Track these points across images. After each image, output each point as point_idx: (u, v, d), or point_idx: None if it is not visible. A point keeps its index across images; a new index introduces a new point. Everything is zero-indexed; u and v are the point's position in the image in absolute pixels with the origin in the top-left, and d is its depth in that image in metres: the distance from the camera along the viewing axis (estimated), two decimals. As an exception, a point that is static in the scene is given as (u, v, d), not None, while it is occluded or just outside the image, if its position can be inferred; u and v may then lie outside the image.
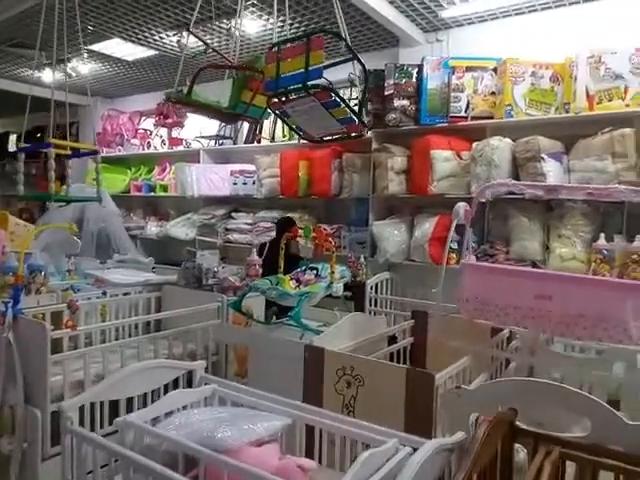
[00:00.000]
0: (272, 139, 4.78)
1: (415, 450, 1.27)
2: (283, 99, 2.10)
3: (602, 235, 2.94)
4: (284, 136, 4.66)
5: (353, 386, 1.76)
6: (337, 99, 2.01)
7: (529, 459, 1.50)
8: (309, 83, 1.84)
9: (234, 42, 3.18)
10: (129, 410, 1.65)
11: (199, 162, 5.09)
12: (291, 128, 2.51)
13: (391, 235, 3.68)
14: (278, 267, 2.53)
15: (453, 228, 2.16)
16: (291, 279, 2.53)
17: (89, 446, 1.39)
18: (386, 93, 3.54)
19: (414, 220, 3.68)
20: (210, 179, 4.92)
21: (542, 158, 3.00)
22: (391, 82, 3.51)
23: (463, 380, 1.96)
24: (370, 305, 3.46)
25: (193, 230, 5.14)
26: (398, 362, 2.49)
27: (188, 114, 5.36)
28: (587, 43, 2.97)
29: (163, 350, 2.60)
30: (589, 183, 2.90)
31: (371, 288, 3.51)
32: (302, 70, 1.79)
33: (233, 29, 3.50)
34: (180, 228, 5.30)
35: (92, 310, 2.82)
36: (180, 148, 5.45)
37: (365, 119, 2.58)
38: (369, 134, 3.52)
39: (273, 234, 4.47)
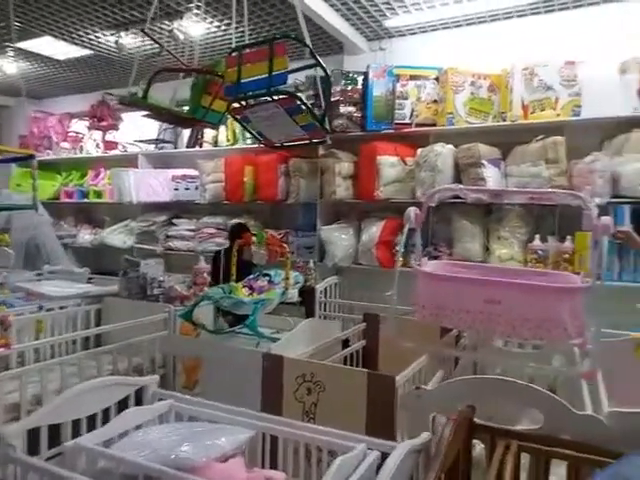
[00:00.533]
0: (215, 144, 4.69)
1: (383, 453, 1.28)
2: (244, 104, 2.06)
3: (537, 236, 3.14)
4: (228, 141, 4.58)
5: (314, 392, 1.75)
6: (301, 105, 2.00)
7: (486, 453, 1.55)
8: (274, 89, 1.81)
9: (192, 45, 3.08)
10: (75, 433, 1.53)
11: (137, 167, 4.88)
12: (251, 134, 2.46)
13: (339, 239, 3.71)
14: (230, 274, 2.47)
15: (406, 232, 2.21)
16: (244, 286, 2.48)
17: (36, 474, 1.28)
18: (332, 99, 3.58)
19: (361, 224, 3.74)
20: (150, 184, 4.74)
21: (482, 164, 3.15)
22: (337, 89, 3.56)
23: (419, 380, 2.00)
24: (320, 309, 3.47)
25: (131, 238, 4.93)
26: (352, 365, 2.52)
27: (123, 117, 5.18)
28: (521, 56, 3.16)
29: (107, 366, 2.46)
30: (525, 187, 3.08)
31: (321, 292, 3.52)
32: (265, 75, 1.77)
33: (176, 31, 3.39)
34: (117, 236, 5.07)
35: (26, 326, 2.62)
36: (116, 152, 5.21)
37: (327, 125, 2.58)
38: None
39: (217, 240, 4.39)
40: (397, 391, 1.71)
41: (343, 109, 3.58)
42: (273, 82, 1.79)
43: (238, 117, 2.23)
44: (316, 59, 2.15)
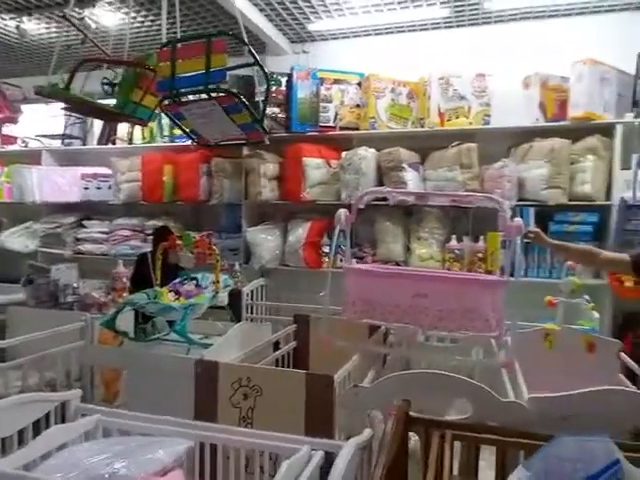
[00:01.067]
0: (130, 141, 4.44)
1: (327, 453, 1.29)
2: (178, 101, 1.97)
3: (453, 237, 3.34)
4: (143, 138, 4.37)
5: (250, 397, 1.72)
6: (240, 104, 1.95)
7: (421, 444, 1.62)
8: (212, 86, 1.75)
9: (121, 37, 2.86)
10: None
11: (40, 164, 4.50)
12: (184, 131, 2.35)
13: (265, 241, 3.68)
14: (155, 279, 2.36)
15: (337, 233, 2.25)
16: (169, 291, 2.38)
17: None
18: (256, 99, 3.54)
19: (287, 225, 3.74)
20: (55, 183, 4.40)
21: (403, 167, 3.29)
22: (261, 89, 3.52)
23: (353, 379, 2.04)
24: (247, 312, 3.41)
25: (34, 241, 4.52)
26: (283, 367, 2.51)
27: (23, 109, 4.74)
28: (437, 66, 3.34)
29: (15, 382, 2.24)
30: (442, 190, 3.26)
31: (247, 295, 3.47)
32: (202, 71, 1.70)
33: (88, 19, 3.17)
34: (17, 239, 4.62)
35: None
36: (15, 147, 4.76)
37: (266, 126, 2.54)
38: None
39: (133, 243, 4.17)
40: (335, 390, 1.73)
41: (268, 110, 3.55)
42: (211, 79, 1.73)
43: (170, 114, 2.13)
44: (255, 59, 2.12)
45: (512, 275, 2.01)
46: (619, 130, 2.98)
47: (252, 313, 3.50)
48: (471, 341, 2.45)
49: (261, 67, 2.24)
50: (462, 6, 3.22)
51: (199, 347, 2.10)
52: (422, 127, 3.38)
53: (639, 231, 2.91)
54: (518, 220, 2.02)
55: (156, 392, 1.89)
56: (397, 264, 3.44)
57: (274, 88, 3.53)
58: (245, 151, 3.72)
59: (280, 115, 3.58)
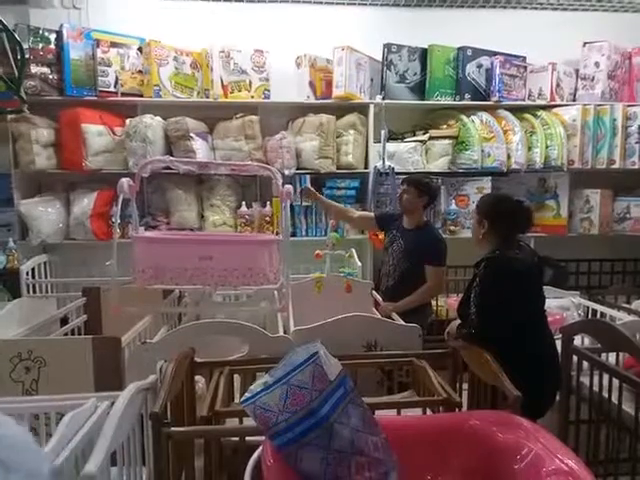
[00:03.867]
0: None
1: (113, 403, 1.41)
2: None
3: (244, 203, 3.60)
4: None
5: (34, 369, 1.71)
6: None
7: (207, 385, 1.85)
8: None
9: None
10: None
11: None
12: None
13: (44, 214, 3.40)
14: None
15: (120, 203, 2.27)
16: None
17: None
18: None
19: (70, 196, 3.51)
20: None
21: (191, 137, 3.38)
22: (25, 46, 3.16)
23: (146, 337, 2.15)
24: (28, 292, 3.16)
25: None
26: (73, 342, 2.47)
27: None
28: (218, 38, 3.47)
29: None
30: (230, 160, 3.47)
31: (27, 274, 3.20)
32: None
33: None
34: None
35: None
36: None
37: (23, 94, 2.32)
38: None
39: None
40: (124, 351, 1.83)
41: (35, 69, 3.23)
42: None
43: None
44: (2, 25, 1.93)
45: (294, 235, 2.35)
46: (372, 109, 3.57)
47: (34, 293, 3.25)
48: (259, 295, 2.77)
49: (8, 31, 2.06)
50: (239, -17, 3.39)
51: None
52: (207, 98, 3.49)
53: (389, 194, 3.59)
54: (288, 187, 2.35)
55: None
56: (192, 230, 3.56)
57: (40, 46, 3.22)
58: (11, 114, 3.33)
59: (51, 76, 3.29)
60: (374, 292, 2.95)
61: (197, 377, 1.86)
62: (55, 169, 3.45)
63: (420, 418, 1.41)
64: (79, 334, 2.54)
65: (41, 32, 3.25)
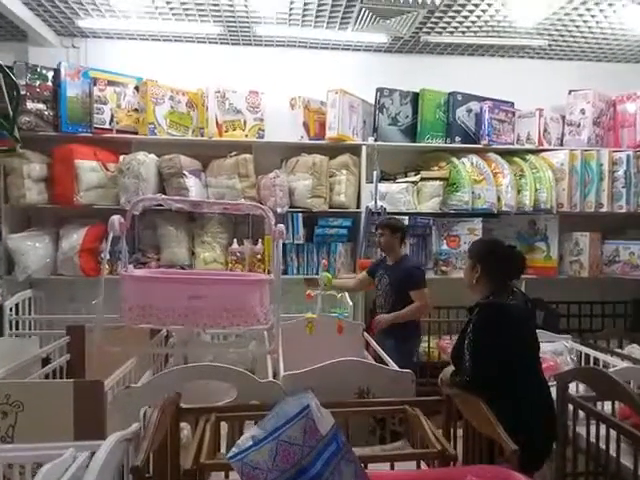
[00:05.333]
0: None
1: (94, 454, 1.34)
2: None
3: (235, 240, 3.58)
4: None
5: (11, 415, 1.63)
6: None
7: (192, 432, 1.78)
8: None
9: None
10: None
11: None
12: None
13: (32, 249, 3.36)
14: None
15: (110, 240, 2.24)
16: None
17: None
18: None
19: (60, 232, 3.47)
20: None
21: (184, 174, 3.39)
22: (22, 82, 3.21)
23: (131, 380, 2.08)
24: (11, 329, 3.07)
25: None
26: (55, 383, 2.38)
27: None
28: (214, 79, 3.53)
29: None
30: (223, 197, 3.48)
31: (10, 310, 3.12)
32: None
33: None
34: None
35: None
36: None
37: (17, 134, 2.32)
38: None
39: None
40: (107, 395, 1.76)
41: (31, 105, 3.26)
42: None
43: None
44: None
45: (285, 273, 2.33)
46: (364, 150, 3.63)
47: (17, 329, 3.16)
48: (248, 335, 2.71)
49: (4, 70, 2.07)
50: (235, 26, 3.48)
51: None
52: (202, 136, 3.53)
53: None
54: (280, 226, 2.35)
55: None
56: (182, 268, 3.52)
57: (38, 83, 3.25)
58: (4, 149, 3.33)
59: (46, 112, 3.31)
60: (365, 333, 2.91)
61: (182, 424, 1.79)
62: (46, 204, 3.43)
63: (415, 473, 1.35)
64: (61, 375, 2.45)
65: (39, 69, 3.30)
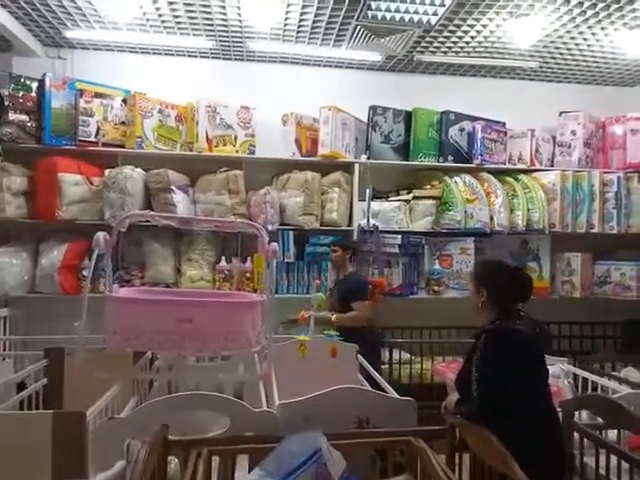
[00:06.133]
0: None
1: (74, 496, 1.22)
2: None
3: (223, 258, 3.47)
4: None
5: (-20, 451, 1.49)
6: None
7: (181, 466, 1.65)
8: None
9: None
10: None
11: None
12: None
13: (9, 265, 3.20)
14: None
15: (95, 257, 2.12)
16: None
17: None
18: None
19: (39, 247, 3.32)
20: None
21: (172, 189, 3.28)
22: (5, 92, 3.10)
23: (114, 409, 1.95)
24: (-17, 351, 2.90)
25: None
26: (30, 409, 2.23)
27: None
28: (204, 93, 3.45)
29: None
30: (212, 214, 3.38)
31: (-16, 330, 2.95)
32: None
33: None
34: None
35: None
36: None
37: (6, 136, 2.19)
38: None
39: None
40: (88, 427, 1.63)
41: (13, 116, 3.14)
42: None
43: None
44: None
45: (276, 292, 2.23)
46: (356, 168, 3.57)
47: (-9, 350, 2.99)
48: (237, 357, 2.59)
49: None
50: (227, 41, 3.43)
51: None
52: (191, 151, 3.44)
53: (372, 252, 3.53)
54: (274, 245, 2.25)
55: None
56: (167, 286, 3.39)
57: (21, 94, 3.14)
58: (-18, 161, 3.19)
59: (29, 124, 3.19)
60: (359, 356, 2.81)
61: (169, 457, 1.66)
62: (25, 218, 3.29)
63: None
64: (37, 402, 2.30)
65: (22, 80, 3.19)
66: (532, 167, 3.83)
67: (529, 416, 1.66)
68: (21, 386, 2.41)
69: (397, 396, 1.88)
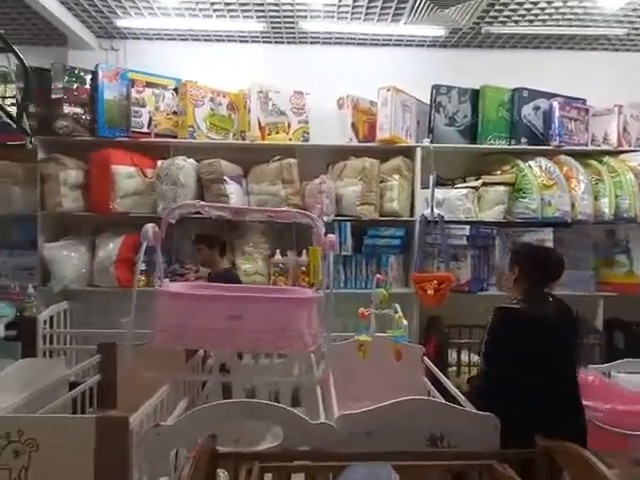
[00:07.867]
0: None
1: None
2: None
3: (278, 251, 3.32)
4: None
5: (24, 454, 1.40)
6: None
7: (231, 480, 1.50)
8: None
9: None
10: None
11: None
12: None
13: (68, 258, 3.21)
14: None
15: (143, 251, 2.02)
16: None
17: None
18: (53, 97, 3.09)
19: (96, 241, 3.32)
20: None
21: (225, 180, 3.17)
22: (60, 85, 3.09)
23: (162, 414, 1.83)
24: (45, 344, 2.90)
25: None
26: (83, 407, 2.17)
27: None
28: (256, 79, 3.29)
29: None
30: (266, 205, 3.23)
31: (45, 323, 2.96)
32: None
33: None
34: None
35: None
36: None
37: (27, 126, 2.13)
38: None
39: None
40: (132, 433, 1.51)
41: (68, 109, 3.13)
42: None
43: None
44: (6, 43, 1.75)
45: (329, 287, 2.04)
46: (418, 153, 3.30)
47: (51, 344, 2.99)
48: (293, 356, 2.43)
49: (18, 56, 1.88)
50: (279, 23, 3.25)
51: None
52: (244, 140, 3.31)
53: (436, 244, 3.25)
54: (331, 236, 2.05)
55: None
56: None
57: (75, 86, 3.12)
58: (40, 154, 3.21)
59: (84, 117, 3.17)
60: (425, 358, 2.56)
61: (219, 470, 1.51)
62: (82, 211, 3.29)
63: None
64: (90, 399, 2.24)
65: (77, 72, 3.17)
66: (619, 148, 3.39)
67: (527, 396, 1.75)
68: (76, 382, 2.37)
69: (474, 410, 1.63)
